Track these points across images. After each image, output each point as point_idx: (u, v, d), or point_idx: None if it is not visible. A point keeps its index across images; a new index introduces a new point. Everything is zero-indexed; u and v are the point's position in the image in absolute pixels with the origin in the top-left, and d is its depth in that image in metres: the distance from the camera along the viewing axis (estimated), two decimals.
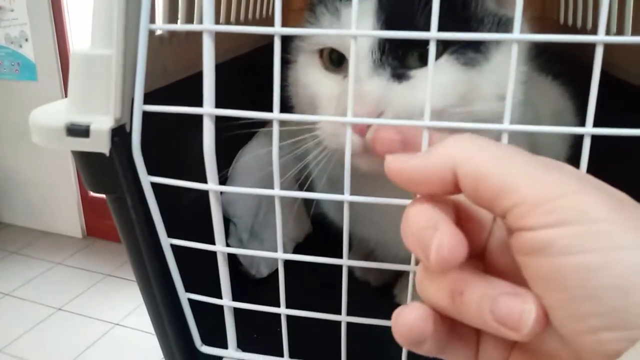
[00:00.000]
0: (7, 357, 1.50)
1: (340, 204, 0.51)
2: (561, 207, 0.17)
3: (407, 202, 0.28)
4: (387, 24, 0.36)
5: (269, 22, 0.74)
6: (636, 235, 0.16)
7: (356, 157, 0.34)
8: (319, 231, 0.61)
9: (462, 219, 0.22)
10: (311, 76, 0.40)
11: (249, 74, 0.59)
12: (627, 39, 0.26)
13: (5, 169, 2.15)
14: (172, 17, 0.44)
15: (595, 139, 0.26)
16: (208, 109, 0.29)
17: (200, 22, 0.48)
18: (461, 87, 0.36)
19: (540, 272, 0.18)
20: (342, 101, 0.35)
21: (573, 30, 0.68)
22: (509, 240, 0.19)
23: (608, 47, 0.25)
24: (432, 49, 0.26)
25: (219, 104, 0.29)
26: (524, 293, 0.18)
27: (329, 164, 0.42)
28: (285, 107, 0.42)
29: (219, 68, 0.29)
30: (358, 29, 0.36)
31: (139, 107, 0.29)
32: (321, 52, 0.40)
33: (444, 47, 0.37)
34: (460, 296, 0.20)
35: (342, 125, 0.34)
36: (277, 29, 0.27)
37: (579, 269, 0.16)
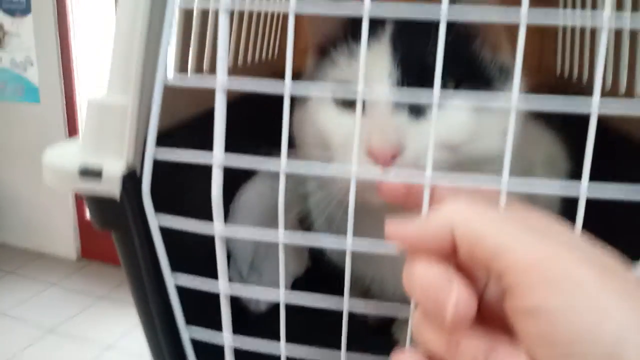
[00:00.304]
0: None
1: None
2: (551, 272, 0.18)
3: None
4: (402, 64, 0.39)
5: (277, 62, 0.76)
6: (617, 299, 0.17)
7: (369, 192, 0.36)
8: (318, 265, 0.62)
9: (461, 272, 0.23)
10: (323, 115, 0.42)
11: (257, 110, 0.61)
12: (622, 105, 0.27)
13: (3, 189, 2.16)
14: (182, 63, 0.45)
15: None
16: (218, 158, 0.30)
17: (212, 67, 0.50)
18: (471, 125, 0.38)
19: (530, 330, 0.19)
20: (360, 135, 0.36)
21: (569, 82, 0.70)
22: (503, 298, 0.20)
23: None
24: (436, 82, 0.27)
25: (226, 139, 0.30)
26: (517, 353, 0.20)
27: (328, 203, 0.43)
28: (289, 145, 0.43)
29: (228, 106, 0.30)
30: (376, 69, 0.39)
31: (151, 154, 0.30)
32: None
33: (456, 86, 0.39)
34: (457, 346, 0.21)
35: (364, 156, 0.35)
36: (288, 87, 0.29)
37: (568, 331, 0.18)
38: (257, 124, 0.59)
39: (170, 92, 0.30)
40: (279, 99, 0.29)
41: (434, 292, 0.21)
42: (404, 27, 0.40)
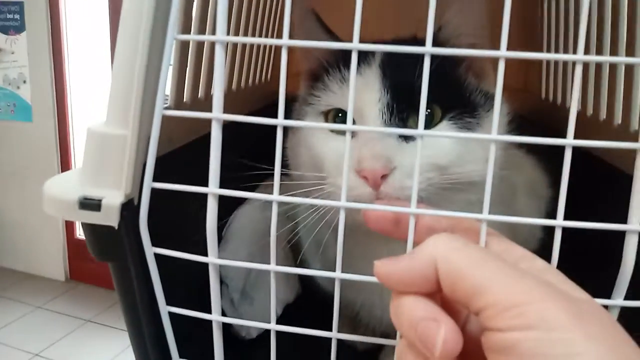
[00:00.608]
0: None
1: (327, 265, 0.53)
2: (527, 313, 0.19)
3: None
4: (392, 90, 0.40)
5: (270, 85, 0.78)
6: (589, 343, 0.18)
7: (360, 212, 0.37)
8: (309, 291, 0.62)
9: (445, 305, 0.24)
10: (316, 138, 0.43)
11: (251, 134, 0.62)
12: (596, 143, 0.28)
13: None
14: (179, 89, 0.46)
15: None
16: (213, 189, 0.31)
17: (205, 93, 0.52)
18: (459, 149, 0.40)
19: None
20: (352, 156, 0.38)
21: (553, 106, 0.72)
22: (481, 333, 0.21)
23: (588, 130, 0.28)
24: (422, 106, 0.28)
25: (222, 159, 0.31)
26: None
27: (317, 225, 0.44)
28: (285, 166, 0.44)
29: (225, 127, 0.31)
30: (366, 94, 0.40)
31: (149, 185, 0.31)
32: (326, 114, 0.44)
33: (443, 113, 0.41)
34: None
35: (355, 177, 0.37)
36: (280, 121, 0.30)
37: None
38: (252, 143, 0.60)
39: (168, 123, 0.31)
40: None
41: (421, 327, 0.22)
42: (393, 54, 0.42)
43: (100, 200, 0.32)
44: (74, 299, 1.97)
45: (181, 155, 0.46)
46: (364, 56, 0.43)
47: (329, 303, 0.34)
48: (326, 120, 0.45)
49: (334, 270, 0.32)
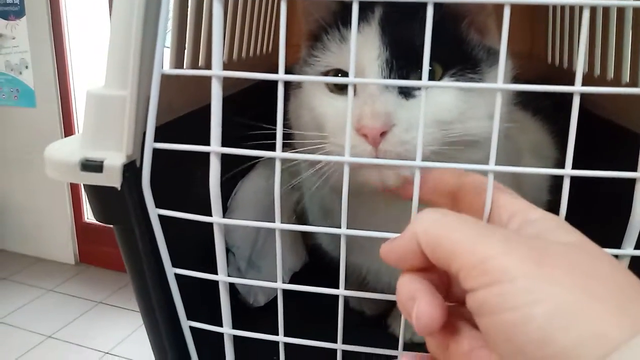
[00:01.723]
0: None
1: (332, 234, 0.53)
2: (490, 268, 0.19)
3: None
4: (391, 47, 0.40)
5: (271, 57, 0.77)
6: (551, 287, 0.18)
7: (366, 169, 0.37)
8: (316, 261, 0.63)
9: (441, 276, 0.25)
10: (317, 98, 0.43)
11: (251, 104, 0.62)
12: (604, 89, 0.28)
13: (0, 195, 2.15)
14: (178, 57, 0.46)
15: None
16: (215, 147, 0.31)
17: (207, 62, 0.51)
18: (461, 105, 0.39)
19: (483, 328, 0.20)
20: (352, 114, 0.37)
21: (560, 70, 0.71)
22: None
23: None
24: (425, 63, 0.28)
25: (223, 131, 0.31)
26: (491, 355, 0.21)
27: (323, 191, 0.44)
28: (285, 133, 0.44)
29: (223, 102, 0.31)
30: (366, 52, 0.40)
31: (150, 145, 0.31)
32: (326, 74, 0.44)
33: (444, 70, 0.40)
34: (447, 350, 0.23)
35: (355, 135, 0.37)
36: (281, 76, 0.29)
37: (505, 326, 0.18)
38: (254, 115, 0.60)
39: (168, 89, 0.30)
40: (274, 91, 0.30)
41: (404, 306, 0.23)
42: (392, 10, 0.42)
43: (102, 162, 0.31)
44: (85, 282, 1.99)
45: (182, 125, 0.45)
46: (363, 14, 0.42)
47: (336, 271, 0.34)
48: (327, 84, 0.44)
49: (339, 237, 0.32)
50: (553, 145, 0.60)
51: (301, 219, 0.58)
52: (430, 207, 0.25)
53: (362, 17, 0.41)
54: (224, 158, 0.31)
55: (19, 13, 1.96)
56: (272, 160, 0.30)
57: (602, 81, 0.57)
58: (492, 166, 0.29)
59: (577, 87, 0.28)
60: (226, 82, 0.30)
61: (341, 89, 0.42)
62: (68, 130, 2.00)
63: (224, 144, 0.31)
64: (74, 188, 2.05)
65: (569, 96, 0.28)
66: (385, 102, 0.37)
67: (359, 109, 0.36)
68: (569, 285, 0.18)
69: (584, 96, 0.28)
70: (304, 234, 0.62)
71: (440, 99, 0.38)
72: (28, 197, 2.09)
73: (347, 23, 0.42)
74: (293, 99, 0.47)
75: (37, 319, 1.76)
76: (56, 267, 2.09)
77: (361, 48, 0.39)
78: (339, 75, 0.43)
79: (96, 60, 1.99)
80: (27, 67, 2.00)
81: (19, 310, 1.81)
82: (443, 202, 0.28)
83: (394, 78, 0.39)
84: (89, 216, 2.11)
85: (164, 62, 0.33)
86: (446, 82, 0.36)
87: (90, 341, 1.66)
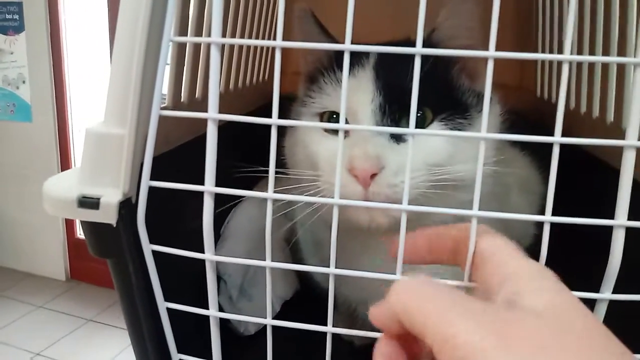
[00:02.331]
0: None
1: (324, 263, 0.54)
2: (460, 344, 0.20)
3: (390, 276, 0.31)
4: (384, 91, 0.41)
5: (266, 85, 0.79)
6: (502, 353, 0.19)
7: (356, 210, 0.38)
8: (307, 288, 0.63)
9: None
10: (312, 138, 0.45)
11: (252, 131, 0.63)
12: (583, 141, 0.29)
13: None
14: (177, 90, 0.47)
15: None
16: (209, 187, 0.32)
17: (202, 95, 0.52)
18: (449, 149, 0.40)
19: None
20: (344, 155, 0.38)
21: (548, 103, 0.73)
22: None
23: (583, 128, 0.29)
24: (412, 111, 0.29)
25: (217, 163, 0.32)
26: None
27: (315, 223, 0.45)
28: (279, 167, 0.45)
29: (219, 130, 0.32)
30: (360, 95, 0.41)
31: (146, 183, 0.32)
32: (321, 115, 0.45)
33: (434, 114, 0.42)
34: None
35: (347, 175, 0.38)
36: (274, 120, 0.30)
37: None
38: (250, 144, 0.61)
39: (165, 122, 0.31)
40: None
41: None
42: (386, 57, 0.43)
43: (98, 199, 0.32)
44: (75, 299, 1.98)
45: (178, 155, 0.46)
46: (358, 58, 0.43)
47: (326, 300, 0.35)
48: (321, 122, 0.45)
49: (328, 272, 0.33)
50: (541, 180, 0.61)
51: (294, 248, 0.59)
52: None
53: (357, 62, 0.43)
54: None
55: (18, 28, 1.98)
56: (264, 188, 0.31)
57: (587, 119, 0.58)
58: (475, 211, 0.30)
59: (557, 138, 0.29)
60: (223, 111, 0.31)
61: (335, 130, 0.43)
62: (63, 145, 2.00)
63: (218, 173, 0.31)
64: None
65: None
66: (376, 145, 0.38)
67: (350, 150, 0.38)
68: (521, 354, 0.19)
69: (570, 131, 0.29)
70: (297, 262, 0.63)
71: (429, 143, 0.40)
72: (22, 212, 2.08)
73: (341, 66, 0.43)
74: (288, 136, 0.48)
75: (26, 336, 1.74)
76: (47, 283, 2.07)
77: (355, 91, 0.41)
78: (334, 117, 0.44)
79: (94, 76, 2.00)
80: (24, 82, 2.00)
81: (7, 326, 1.79)
82: (445, 259, 0.29)
83: (387, 122, 0.41)
84: (80, 232, 2.10)
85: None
86: (433, 130, 0.37)
87: (78, 359, 1.64)
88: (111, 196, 0.33)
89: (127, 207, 0.33)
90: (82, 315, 1.86)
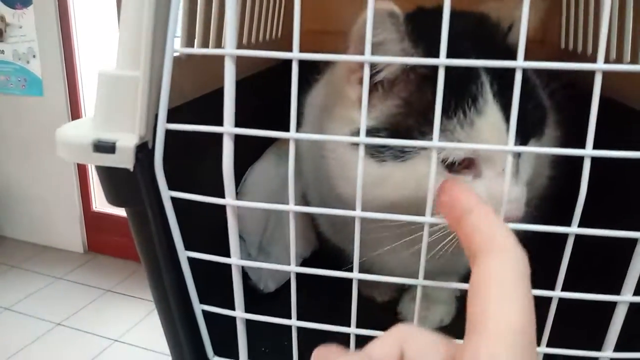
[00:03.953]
0: None
1: (332, 220, 0.53)
2: None
3: (412, 218, 0.30)
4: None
5: (280, 42, 0.77)
6: None
7: None
8: (325, 248, 0.62)
9: None
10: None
11: (262, 92, 0.61)
12: (626, 67, 0.27)
13: (8, 183, 2.16)
14: (189, 40, 0.45)
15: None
16: (228, 128, 0.30)
17: (217, 45, 0.51)
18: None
19: None
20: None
21: (573, 55, 0.70)
22: None
23: (606, 72, 0.27)
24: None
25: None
26: None
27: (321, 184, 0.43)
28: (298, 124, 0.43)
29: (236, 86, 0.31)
30: (496, 137, 0.37)
31: (163, 125, 0.31)
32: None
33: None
34: None
35: None
36: (295, 54, 0.29)
37: None
38: (263, 107, 0.59)
39: (179, 74, 0.30)
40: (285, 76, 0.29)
41: None
42: (505, 84, 0.37)
43: (114, 143, 0.31)
44: (93, 270, 2.01)
45: (192, 109, 0.45)
46: (475, 87, 0.38)
47: (340, 260, 0.34)
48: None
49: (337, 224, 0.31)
50: (553, 124, 0.59)
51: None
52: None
53: (477, 91, 0.38)
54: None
55: (26, 2, 1.96)
56: (280, 148, 0.30)
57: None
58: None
59: (600, 65, 0.27)
60: (238, 68, 0.30)
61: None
62: (75, 118, 2.00)
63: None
64: (82, 177, 2.06)
65: (584, 84, 0.27)
66: (517, 193, 0.38)
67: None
68: None
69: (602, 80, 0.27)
70: (313, 220, 0.62)
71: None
72: (37, 186, 2.10)
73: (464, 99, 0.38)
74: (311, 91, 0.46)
75: (47, 306, 1.77)
76: (65, 255, 2.10)
77: (490, 132, 0.37)
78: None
79: (103, 48, 1.99)
80: (34, 56, 1.99)
81: (28, 297, 1.82)
82: (450, 222, 0.28)
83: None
84: (97, 205, 2.12)
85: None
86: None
87: (99, 328, 1.67)
88: (127, 140, 0.31)
89: (144, 151, 0.32)
90: (101, 286, 1.89)
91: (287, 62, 0.29)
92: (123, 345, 1.60)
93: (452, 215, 0.27)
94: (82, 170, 2.06)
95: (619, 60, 0.55)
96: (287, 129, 0.30)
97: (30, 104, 2.03)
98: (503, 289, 0.22)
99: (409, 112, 0.39)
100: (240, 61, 0.30)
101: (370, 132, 0.38)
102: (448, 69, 0.28)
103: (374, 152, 0.38)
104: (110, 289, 1.87)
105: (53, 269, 1.98)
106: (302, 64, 0.29)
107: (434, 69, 0.28)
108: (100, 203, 2.11)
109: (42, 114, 2.01)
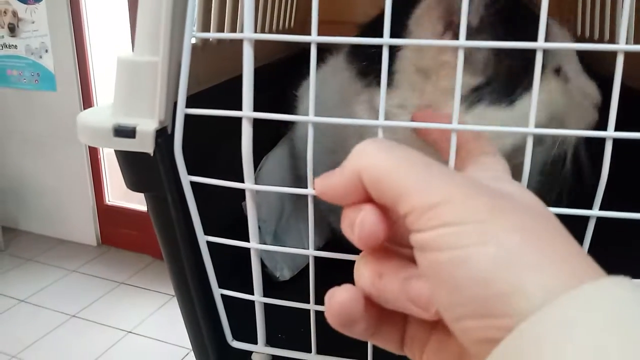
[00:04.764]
0: None
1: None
2: (443, 213, 0.18)
3: None
4: None
5: (293, 31, 0.76)
6: (505, 235, 0.18)
7: None
8: (338, 237, 0.62)
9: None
10: None
11: (277, 81, 0.61)
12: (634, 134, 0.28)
13: (22, 177, 2.19)
14: (205, 29, 0.46)
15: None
16: (247, 112, 0.30)
17: (232, 31, 0.51)
18: None
19: (425, 263, 0.19)
20: None
21: (590, 41, 0.69)
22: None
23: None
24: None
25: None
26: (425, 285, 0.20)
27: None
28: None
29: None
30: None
31: (182, 110, 0.31)
32: None
33: None
34: (380, 278, 0.21)
35: None
36: (314, 38, 0.29)
37: (448, 263, 0.18)
38: (278, 96, 0.59)
39: (195, 61, 0.30)
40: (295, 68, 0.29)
41: (348, 217, 0.21)
42: None
43: (134, 127, 0.31)
44: (107, 263, 2.03)
45: (208, 97, 0.45)
46: None
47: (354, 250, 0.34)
48: None
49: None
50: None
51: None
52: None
53: None
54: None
55: None
56: (294, 138, 0.30)
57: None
58: (531, 129, 0.29)
59: (622, 46, 0.27)
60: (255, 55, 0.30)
61: None
62: None
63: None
64: (95, 171, 2.08)
65: (602, 69, 0.27)
66: None
67: None
68: (518, 237, 0.18)
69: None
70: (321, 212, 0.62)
71: None
72: (50, 180, 2.12)
73: None
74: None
75: (61, 298, 1.80)
76: (79, 248, 2.13)
77: None
78: None
79: (115, 42, 2.00)
80: (46, 51, 2.01)
81: (43, 290, 1.85)
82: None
83: None
84: (110, 199, 2.14)
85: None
86: None
87: (113, 320, 1.69)
88: (147, 125, 0.32)
89: (163, 136, 0.32)
90: (115, 278, 1.91)
91: (299, 53, 0.29)
92: (136, 336, 1.62)
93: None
94: (94, 163, 2.07)
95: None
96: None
97: (43, 98, 2.05)
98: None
99: None
100: (256, 50, 0.30)
101: None
102: None
103: None
104: (123, 282, 1.89)
105: (67, 262, 2.01)
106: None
107: None
108: (113, 196, 2.13)
109: (55, 108, 2.03)
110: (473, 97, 0.37)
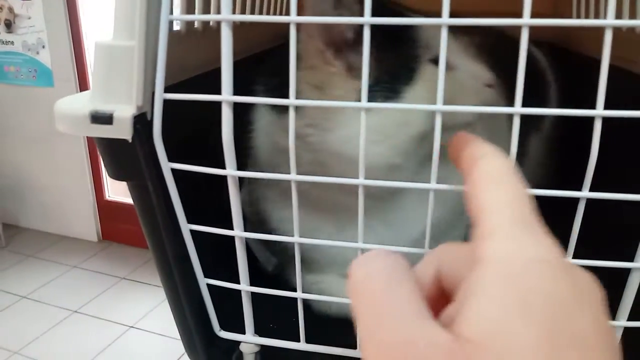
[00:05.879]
0: (23, 358, 1.52)
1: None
2: (495, 348, 0.17)
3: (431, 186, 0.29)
4: None
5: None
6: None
7: None
8: None
9: None
10: None
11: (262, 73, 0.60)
12: (634, 22, 0.26)
13: (21, 174, 2.19)
14: (189, 12, 0.45)
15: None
16: (227, 97, 0.30)
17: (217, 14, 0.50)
18: None
19: None
20: None
21: (586, 29, 0.68)
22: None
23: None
24: None
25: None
26: None
27: None
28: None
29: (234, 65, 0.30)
30: None
31: (160, 95, 0.30)
32: None
33: None
34: None
35: None
36: (293, 18, 0.28)
37: None
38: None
39: (180, 48, 0.29)
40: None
41: None
42: None
43: (111, 114, 0.31)
44: (108, 258, 2.03)
45: (194, 85, 0.44)
46: None
47: None
48: None
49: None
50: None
51: None
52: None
53: None
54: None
55: None
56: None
57: (631, 36, 0.54)
58: (517, 108, 0.28)
59: (609, 21, 0.26)
60: (238, 46, 0.29)
61: None
62: None
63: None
64: (95, 166, 2.07)
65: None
66: None
67: None
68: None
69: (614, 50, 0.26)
70: None
71: None
72: (50, 176, 2.12)
73: None
74: None
75: (63, 294, 1.80)
76: (80, 244, 2.12)
77: None
78: None
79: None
80: (44, 47, 2.00)
81: (45, 286, 1.85)
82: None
83: None
84: (110, 194, 2.13)
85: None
86: None
87: (115, 315, 1.69)
88: (124, 110, 0.31)
89: (142, 122, 0.32)
90: (116, 273, 1.91)
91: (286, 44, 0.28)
92: (138, 331, 1.61)
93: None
94: (94, 159, 2.07)
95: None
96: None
97: (41, 94, 2.04)
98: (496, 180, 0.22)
99: None
100: (241, 40, 0.29)
101: None
102: None
103: None
104: (125, 277, 1.89)
105: (68, 258, 2.01)
106: None
107: None
108: (113, 192, 2.13)
109: (53, 104, 2.01)
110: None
